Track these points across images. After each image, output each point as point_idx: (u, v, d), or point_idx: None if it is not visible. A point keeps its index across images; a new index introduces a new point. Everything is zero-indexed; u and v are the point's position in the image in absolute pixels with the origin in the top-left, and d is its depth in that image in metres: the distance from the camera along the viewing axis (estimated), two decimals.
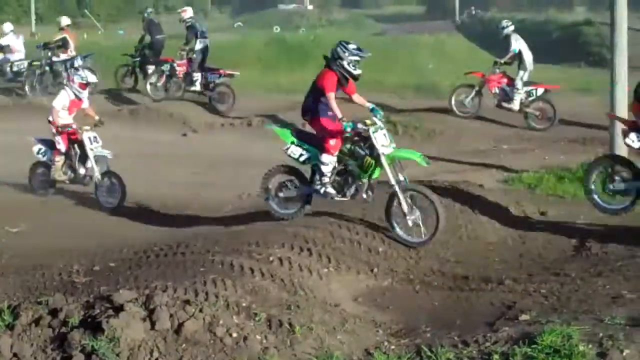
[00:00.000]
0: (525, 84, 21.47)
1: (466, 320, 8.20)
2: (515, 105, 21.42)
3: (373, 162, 11.11)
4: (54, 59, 26.66)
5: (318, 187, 11.47)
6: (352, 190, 11.37)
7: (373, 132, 11.08)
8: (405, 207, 10.82)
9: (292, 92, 26.55)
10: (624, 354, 6.32)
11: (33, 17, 50.50)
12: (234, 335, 7.01)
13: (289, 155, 11.76)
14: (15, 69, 27.43)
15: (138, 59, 26.67)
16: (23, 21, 53.36)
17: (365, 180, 11.27)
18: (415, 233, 10.83)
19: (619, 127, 14.99)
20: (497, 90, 21.84)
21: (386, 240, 10.82)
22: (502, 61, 21.86)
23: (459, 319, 8.26)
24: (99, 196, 14.73)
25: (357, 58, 11.35)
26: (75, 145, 15.09)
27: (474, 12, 59.76)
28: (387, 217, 11.04)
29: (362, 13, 78.78)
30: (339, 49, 11.32)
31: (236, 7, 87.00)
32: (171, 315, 7.10)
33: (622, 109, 15.13)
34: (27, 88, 26.60)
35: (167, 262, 9.69)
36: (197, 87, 24.87)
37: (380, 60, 34.65)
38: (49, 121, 15.12)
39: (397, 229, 10.92)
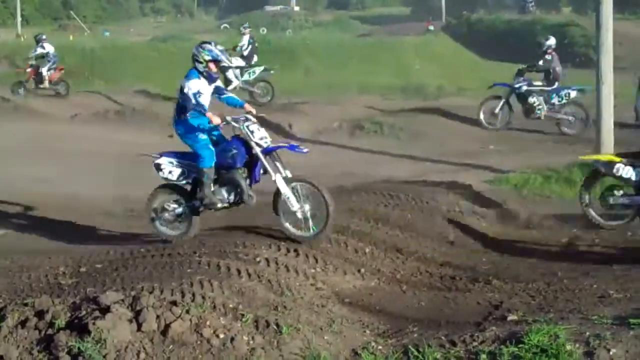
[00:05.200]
0: None
1: (453, 320, 8.19)
2: None
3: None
4: None
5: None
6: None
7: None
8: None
9: (278, 93, 26.60)
10: (611, 353, 6.33)
11: (19, 19, 50.45)
12: (221, 336, 7.00)
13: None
14: None
15: None
16: (9, 23, 53.34)
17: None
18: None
19: (606, 127, 15.10)
20: None
21: (373, 241, 10.82)
22: None
23: (446, 319, 8.25)
24: None
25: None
26: None
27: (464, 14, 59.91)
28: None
29: (348, 14, 78.92)
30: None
31: (222, 8, 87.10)
32: (158, 317, 7.07)
33: (608, 109, 15.21)
34: None
35: (153, 263, 9.66)
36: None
37: (366, 62, 34.89)
38: None
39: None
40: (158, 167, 11.42)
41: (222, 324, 7.16)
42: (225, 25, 68.99)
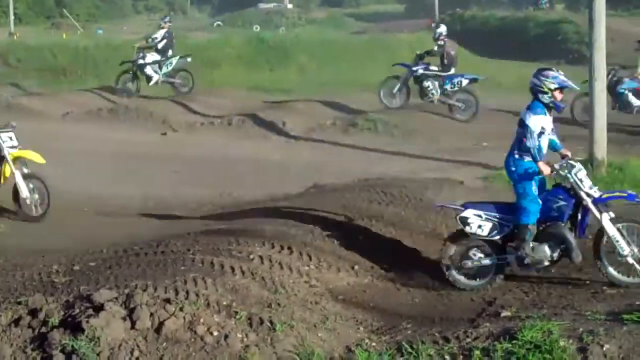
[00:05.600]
0: None
1: (447, 316, 8.22)
2: None
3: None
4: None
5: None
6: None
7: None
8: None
9: (272, 91, 26.59)
10: (604, 348, 6.35)
11: (12, 17, 50.35)
12: (215, 333, 7.00)
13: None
14: None
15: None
16: (2, 22, 53.29)
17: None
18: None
19: (599, 124, 15.09)
20: None
21: (366, 238, 10.83)
22: None
23: (439, 316, 8.28)
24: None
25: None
26: None
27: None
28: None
29: (342, 12, 78.93)
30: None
31: (215, 6, 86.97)
32: (151, 314, 7.08)
33: (601, 107, 15.23)
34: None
35: (147, 261, 9.65)
36: None
37: (360, 59, 34.87)
38: None
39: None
40: (464, 222, 9.84)
41: (216, 322, 7.17)
42: (219, 22, 68.90)
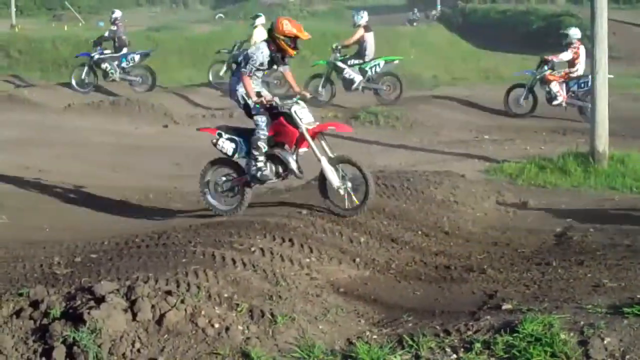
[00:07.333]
0: None
1: (448, 309, 8.20)
2: None
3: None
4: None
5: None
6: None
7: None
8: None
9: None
10: (605, 342, 6.34)
11: (13, 9, 50.28)
12: (216, 325, 7.00)
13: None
14: None
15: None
16: (3, 14, 53.22)
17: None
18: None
19: (600, 117, 15.10)
20: None
21: (368, 230, 10.83)
22: None
23: (440, 308, 8.26)
24: None
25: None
26: None
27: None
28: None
29: (344, 4, 78.79)
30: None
31: None
32: (153, 306, 7.07)
33: (603, 100, 15.22)
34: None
35: (148, 253, 9.65)
36: None
37: None
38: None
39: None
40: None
41: (217, 314, 7.16)
42: (220, 15, 68.84)
